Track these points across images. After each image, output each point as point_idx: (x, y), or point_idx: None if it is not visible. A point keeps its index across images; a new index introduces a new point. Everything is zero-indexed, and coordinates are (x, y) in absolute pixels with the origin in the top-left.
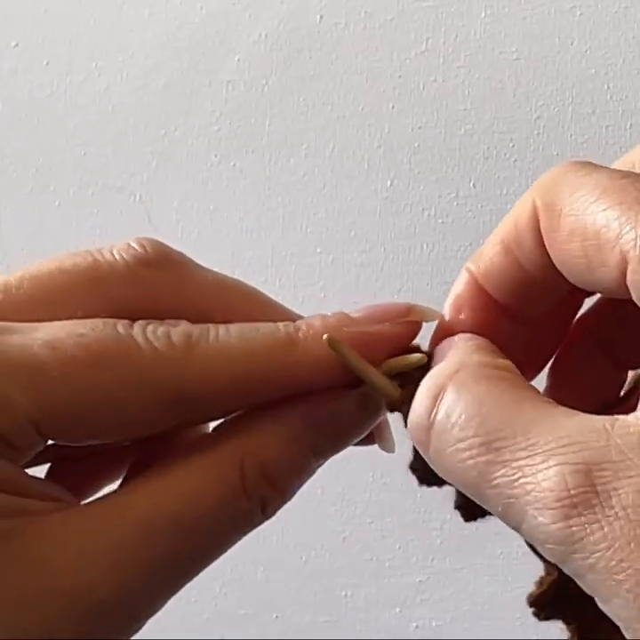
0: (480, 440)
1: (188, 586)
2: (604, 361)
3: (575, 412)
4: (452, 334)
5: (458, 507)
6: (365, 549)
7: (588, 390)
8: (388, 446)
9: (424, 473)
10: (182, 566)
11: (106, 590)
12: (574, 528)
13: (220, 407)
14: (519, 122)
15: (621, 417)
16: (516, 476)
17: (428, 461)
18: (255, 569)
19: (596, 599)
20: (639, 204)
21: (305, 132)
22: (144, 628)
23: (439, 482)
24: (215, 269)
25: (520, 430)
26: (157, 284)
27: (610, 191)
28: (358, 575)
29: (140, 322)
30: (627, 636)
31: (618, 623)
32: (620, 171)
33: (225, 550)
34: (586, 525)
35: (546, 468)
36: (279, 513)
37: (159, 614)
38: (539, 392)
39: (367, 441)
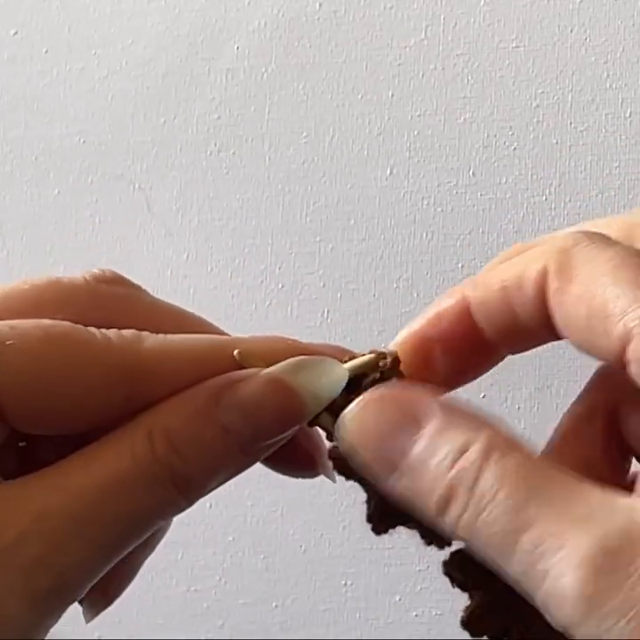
0: (511, 503)
1: (187, 574)
2: (608, 440)
3: (598, 489)
4: (425, 344)
5: (369, 519)
6: (365, 538)
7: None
8: (330, 475)
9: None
10: (103, 538)
11: (29, 581)
12: (594, 595)
13: (164, 390)
14: (519, 110)
15: None
16: (541, 540)
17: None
18: (255, 558)
19: None
20: None
21: (304, 120)
22: (142, 617)
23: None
24: (216, 257)
25: (546, 501)
26: (112, 297)
27: (621, 268)
28: (358, 564)
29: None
30: None
31: None
32: (634, 249)
33: (146, 526)
34: (605, 593)
35: (572, 539)
36: (278, 503)
37: (159, 603)
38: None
39: (311, 471)
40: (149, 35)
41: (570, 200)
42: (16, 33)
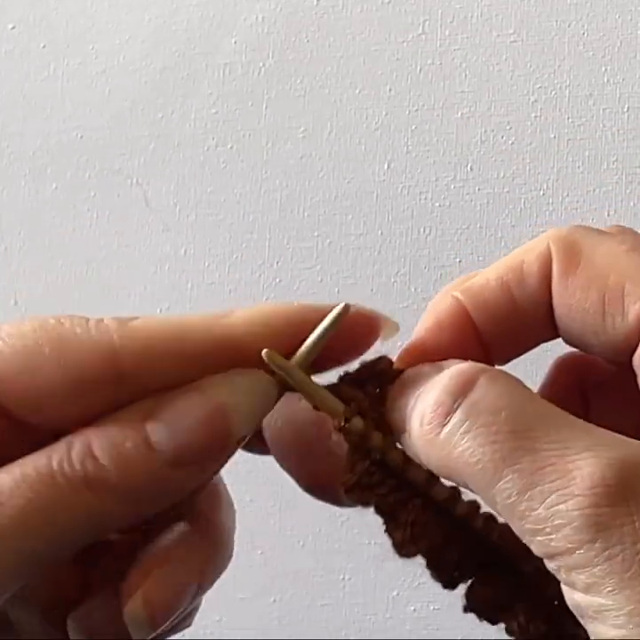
0: (509, 427)
1: None
2: None
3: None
4: (428, 355)
5: (397, 547)
6: (363, 533)
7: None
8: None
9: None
10: (30, 547)
11: None
12: (603, 517)
13: (152, 373)
14: (516, 105)
15: None
16: (543, 463)
17: (424, 449)
18: (253, 553)
19: (572, 583)
20: None
21: (302, 115)
22: None
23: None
24: (213, 252)
25: (553, 426)
26: None
27: (636, 251)
28: (356, 559)
29: None
30: (618, 635)
31: (597, 615)
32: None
33: (70, 537)
34: (617, 517)
35: (580, 459)
36: (277, 497)
37: None
38: None
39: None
40: (147, 30)
41: (567, 195)
42: (14, 28)
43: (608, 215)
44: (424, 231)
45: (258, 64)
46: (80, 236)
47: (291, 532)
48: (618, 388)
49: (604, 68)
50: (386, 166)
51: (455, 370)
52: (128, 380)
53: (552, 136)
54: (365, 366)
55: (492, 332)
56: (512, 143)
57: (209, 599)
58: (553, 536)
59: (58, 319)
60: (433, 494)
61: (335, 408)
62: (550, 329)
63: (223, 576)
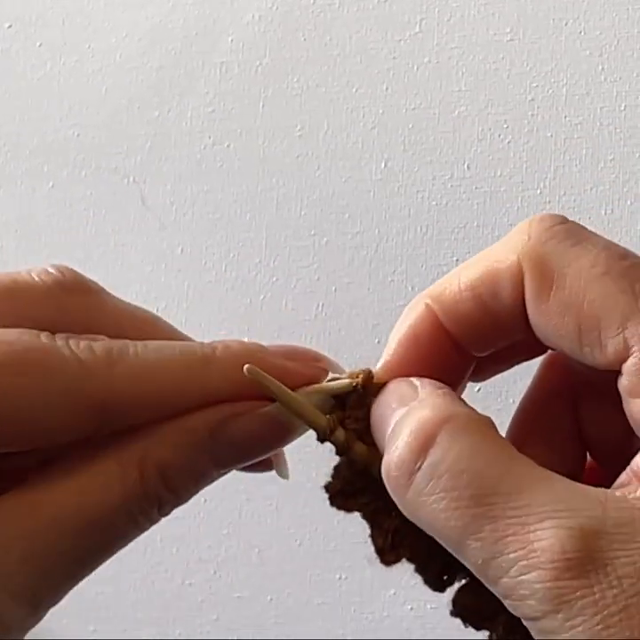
0: (470, 493)
1: (182, 568)
2: (572, 426)
3: (567, 480)
4: (405, 367)
5: (379, 551)
6: (360, 532)
7: (551, 449)
8: (283, 473)
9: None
10: (85, 560)
11: (17, 581)
12: (564, 590)
13: (138, 417)
14: (513, 103)
15: (610, 491)
16: (505, 533)
17: (397, 503)
18: (250, 551)
19: None
20: None
21: (299, 113)
22: (138, 611)
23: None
24: (210, 251)
25: (514, 489)
26: (73, 306)
27: (613, 273)
28: (353, 558)
29: (61, 334)
30: None
31: None
32: (614, 246)
33: (124, 545)
34: (577, 589)
35: (541, 530)
36: (273, 497)
37: (154, 597)
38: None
39: (264, 467)
40: (144, 28)
41: (564, 193)
42: (10, 26)
43: (605, 214)
44: (421, 230)
45: (254, 63)
46: (76, 235)
47: (287, 532)
48: (608, 389)
49: (601, 67)
50: (382, 165)
51: (416, 423)
52: (109, 425)
53: (549, 134)
54: (348, 379)
55: (470, 342)
56: (509, 142)
57: (206, 598)
58: (519, 603)
59: (45, 351)
60: None
61: (317, 420)
62: (534, 343)
63: (220, 575)
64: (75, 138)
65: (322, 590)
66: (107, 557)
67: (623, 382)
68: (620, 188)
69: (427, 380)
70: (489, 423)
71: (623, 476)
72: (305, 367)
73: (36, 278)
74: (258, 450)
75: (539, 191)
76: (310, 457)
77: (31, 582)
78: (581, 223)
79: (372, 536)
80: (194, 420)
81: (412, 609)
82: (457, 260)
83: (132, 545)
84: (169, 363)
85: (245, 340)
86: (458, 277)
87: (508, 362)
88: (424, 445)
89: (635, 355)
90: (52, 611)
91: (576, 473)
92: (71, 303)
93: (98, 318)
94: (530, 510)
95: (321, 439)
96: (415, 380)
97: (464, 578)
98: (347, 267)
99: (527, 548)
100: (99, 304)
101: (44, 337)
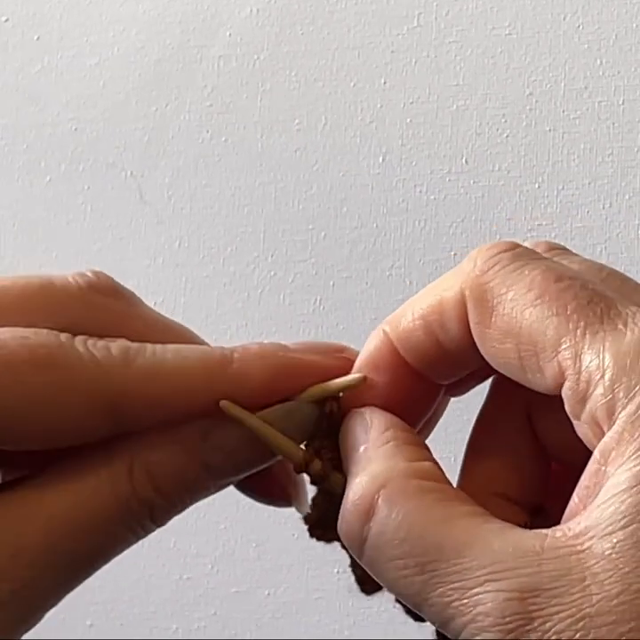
0: (414, 561)
1: (180, 562)
2: (530, 440)
3: (504, 527)
4: (365, 396)
5: (359, 581)
6: None
7: (511, 460)
8: (301, 508)
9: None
10: (77, 565)
11: (6, 586)
12: None
13: (153, 418)
14: (511, 97)
15: (550, 534)
16: (451, 598)
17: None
18: (247, 546)
19: None
20: (577, 314)
21: (297, 107)
22: (135, 605)
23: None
24: (208, 245)
25: (452, 553)
26: (105, 309)
27: (546, 296)
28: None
29: (81, 336)
30: None
31: None
32: (555, 269)
33: (116, 553)
34: None
35: (482, 593)
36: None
37: (151, 591)
38: (466, 499)
39: (281, 499)
40: (141, 22)
41: (563, 188)
42: (7, 20)
43: (603, 208)
44: (419, 224)
45: (252, 56)
46: (74, 229)
47: (284, 526)
48: (558, 401)
49: (599, 61)
50: (380, 159)
51: (353, 492)
52: (121, 426)
53: (547, 129)
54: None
55: (427, 371)
56: (507, 136)
57: (203, 593)
58: None
59: (59, 347)
60: None
61: (293, 452)
62: (484, 364)
63: (217, 570)
64: (72, 132)
65: (319, 585)
66: (100, 564)
67: (566, 406)
68: (618, 182)
69: (376, 417)
70: (431, 476)
71: (572, 504)
72: (330, 359)
73: (71, 280)
74: (250, 459)
75: (537, 185)
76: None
77: (20, 587)
78: (579, 218)
79: (352, 566)
80: (185, 424)
81: None
82: (455, 255)
83: None
84: (186, 364)
85: (265, 341)
86: (412, 306)
87: (479, 380)
88: (366, 515)
89: (569, 378)
90: None
91: (539, 478)
92: (101, 306)
93: (127, 324)
94: (470, 574)
95: (297, 471)
96: (367, 415)
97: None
98: (345, 261)
99: (472, 613)
100: (130, 309)
101: (62, 336)
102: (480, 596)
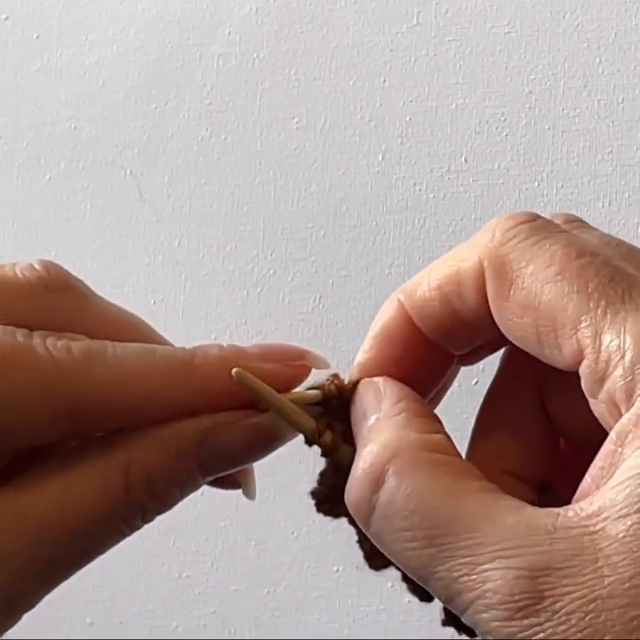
0: (423, 533)
1: (179, 561)
2: (540, 417)
3: (517, 505)
4: (380, 366)
5: (367, 557)
6: None
7: (520, 436)
8: (249, 493)
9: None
10: (64, 565)
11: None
12: (517, 628)
13: (113, 422)
14: (511, 96)
15: (562, 513)
16: (460, 573)
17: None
18: (246, 544)
19: None
20: (598, 292)
21: (296, 106)
22: (134, 604)
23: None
24: (207, 243)
25: (463, 527)
26: (55, 305)
27: (567, 273)
28: (350, 550)
29: (41, 331)
30: None
31: None
32: (576, 244)
33: (103, 553)
34: (529, 628)
35: (491, 570)
36: (270, 489)
37: (150, 589)
38: (478, 474)
39: (231, 485)
40: (141, 20)
41: (562, 186)
42: (6, 18)
43: (602, 206)
44: (418, 222)
45: (251, 55)
46: (73, 227)
47: (284, 524)
48: (572, 378)
49: (598, 60)
50: (380, 157)
51: (365, 460)
52: (82, 429)
53: (547, 127)
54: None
55: (442, 341)
56: (506, 135)
57: (203, 591)
58: (483, 636)
59: (20, 348)
60: None
61: (306, 424)
62: (502, 339)
63: (217, 568)
64: (72, 130)
65: (319, 583)
66: (84, 564)
67: (582, 383)
68: (617, 180)
69: (390, 387)
70: (442, 449)
71: (584, 484)
72: (284, 368)
73: (19, 274)
74: (245, 458)
75: (536, 184)
76: (306, 449)
77: (5, 585)
78: (581, 217)
79: (360, 541)
80: (182, 427)
81: (409, 602)
82: None
83: (128, 538)
84: (147, 367)
85: (224, 344)
86: (428, 276)
87: (492, 350)
88: (375, 484)
89: (588, 357)
90: (49, 603)
91: (548, 456)
92: (53, 302)
93: (80, 319)
94: (481, 549)
95: (309, 442)
96: (381, 385)
97: None
98: (344, 259)
99: (480, 590)
100: (82, 304)
101: (19, 334)
102: (489, 572)
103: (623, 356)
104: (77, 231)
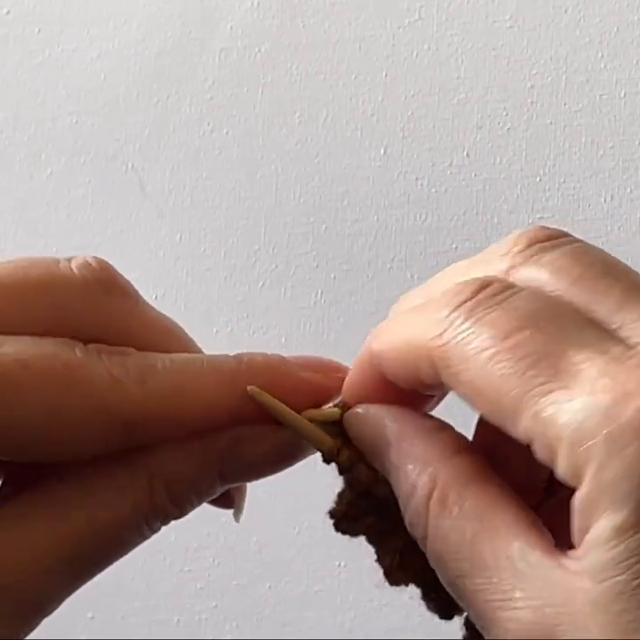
0: (457, 571)
1: (181, 555)
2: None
3: (543, 558)
4: (365, 390)
5: (386, 573)
6: None
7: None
8: (238, 515)
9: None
10: (86, 570)
11: (12, 596)
12: None
13: (164, 434)
14: (513, 90)
15: (578, 573)
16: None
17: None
18: (248, 539)
19: None
20: (532, 371)
21: (298, 100)
22: (136, 598)
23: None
24: (209, 238)
25: (487, 564)
26: (107, 310)
27: (500, 355)
28: (351, 545)
29: (96, 345)
30: None
31: None
32: (504, 321)
33: (124, 555)
34: None
35: (509, 610)
36: (272, 485)
37: (152, 584)
38: (512, 497)
39: (226, 504)
40: (142, 14)
41: (564, 181)
42: (8, 12)
43: (604, 202)
44: (420, 217)
45: (253, 49)
46: (75, 222)
47: (286, 519)
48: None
49: (600, 54)
50: (382, 152)
51: (421, 484)
52: (133, 443)
53: (549, 122)
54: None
55: (415, 389)
56: (508, 129)
57: (204, 586)
58: None
59: (80, 365)
60: None
61: (323, 441)
62: None
63: (219, 563)
64: (73, 125)
65: (320, 578)
66: (104, 568)
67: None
68: (619, 175)
69: (406, 418)
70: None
71: (572, 531)
72: (326, 379)
73: (76, 272)
74: (264, 471)
75: (538, 179)
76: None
77: (26, 598)
78: (581, 211)
79: (379, 557)
80: (208, 438)
81: (411, 597)
82: (456, 248)
83: None
84: (196, 378)
85: (268, 352)
86: (393, 332)
87: None
88: (437, 507)
89: (535, 441)
90: None
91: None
92: (106, 303)
93: (129, 323)
94: (498, 585)
95: (327, 460)
96: (387, 417)
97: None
98: (346, 254)
99: (505, 626)
100: (131, 308)
101: (78, 350)
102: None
103: (561, 442)
104: (78, 226)
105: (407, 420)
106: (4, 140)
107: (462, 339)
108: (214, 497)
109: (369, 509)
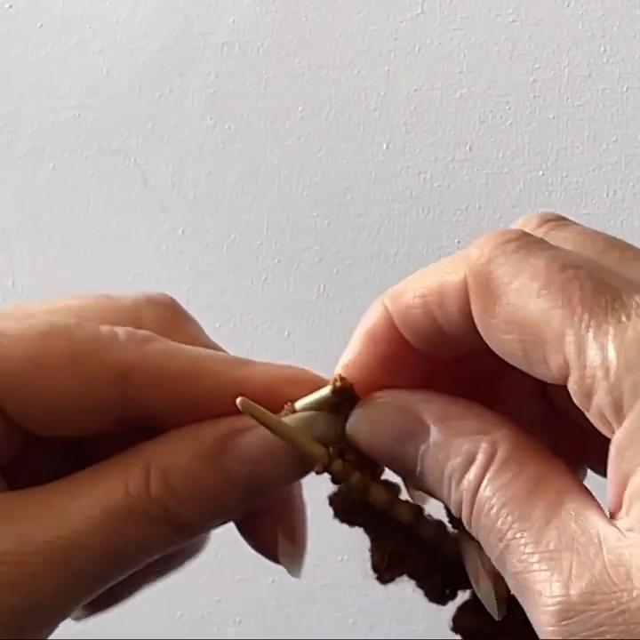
0: (500, 540)
1: None
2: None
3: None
4: (365, 368)
5: (375, 568)
6: None
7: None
8: (292, 569)
9: (343, 507)
10: (94, 566)
11: (21, 591)
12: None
13: (160, 397)
14: (515, 85)
15: (629, 530)
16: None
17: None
18: None
19: None
20: (582, 306)
21: (300, 94)
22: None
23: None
24: (211, 232)
25: (535, 531)
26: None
27: (551, 287)
28: (354, 540)
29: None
30: None
31: None
32: (560, 258)
33: (138, 560)
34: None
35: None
36: None
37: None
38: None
39: (269, 550)
40: (145, 9)
41: (566, 175)
42: (10, 7)
43: (607, 196)
44: (423, 211)
45: (256, 43)
46: (78, 216)
47: None
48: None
49: (603, 48)
50: (384, 146)
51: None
52: (133, 404)
53: (551, 116)
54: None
55: (424, 349)
56: (511, 123)
57: (208, 580)
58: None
59: (68, 326)
60: (417, 531)
61: (315, 452)
62: (486, 350)
63: (222, 557)
64: (76, 119)
65: (324, 572)
66: (118, 570)
67: (572, 397)
68: (622, 169)
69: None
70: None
71: (609, 495)
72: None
73: (145, 311)
74: (272, 474)
75: (541, 173)
76: None
77: (16, 599)
78: (583, 206)
79: (371, 553)
80: (202, 427)
81: (413, 591)
82: (459, 242)
83: None
84: (204, 355)
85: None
86: (414, 283)
87: (478, 360)
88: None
89: (573, 372)
90: None
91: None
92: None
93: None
94: (537, 556)
95: (319, 470)
96: (419, 411)
97: (465, 591)
98: (348, 248)
99: (536, 599)
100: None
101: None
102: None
103: (607, 372)
104: (81, 220)
105: (443, 399)
106: (6, 134)
107: (511, 265)
108: (241, 515)
109: (362, 513)
